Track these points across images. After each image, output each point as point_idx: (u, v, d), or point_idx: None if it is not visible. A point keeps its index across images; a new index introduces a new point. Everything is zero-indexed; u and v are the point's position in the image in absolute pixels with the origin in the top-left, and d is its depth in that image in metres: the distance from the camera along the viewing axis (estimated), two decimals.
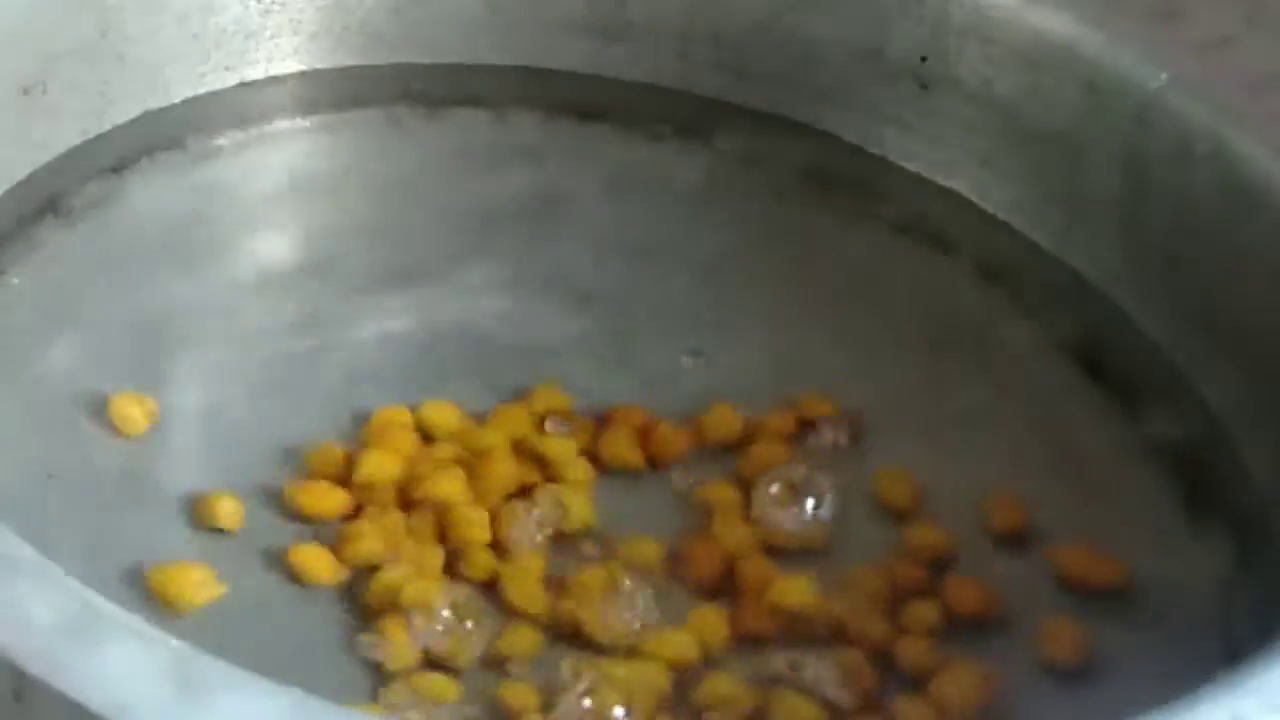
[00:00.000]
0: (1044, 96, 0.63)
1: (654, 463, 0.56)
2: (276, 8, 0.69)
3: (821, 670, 0.50)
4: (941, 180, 0.66)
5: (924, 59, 0.65)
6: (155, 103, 0.67)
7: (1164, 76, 0.60)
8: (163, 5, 0.67)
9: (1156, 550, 0.55)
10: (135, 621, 0.39)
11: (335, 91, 0.70)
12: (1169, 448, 0.58)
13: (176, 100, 0.67)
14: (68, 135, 0.65)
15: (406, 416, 0.56)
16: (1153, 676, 0.50)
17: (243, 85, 0.68)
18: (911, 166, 0.66)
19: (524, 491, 0.54)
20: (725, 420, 0.57)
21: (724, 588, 0.52)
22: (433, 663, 0.49)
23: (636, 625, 0.50)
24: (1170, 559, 0.55)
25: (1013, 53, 0.63)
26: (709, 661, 0.50)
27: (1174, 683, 0.42)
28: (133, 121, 0.66)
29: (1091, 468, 0.57)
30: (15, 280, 0.61)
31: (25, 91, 0.63)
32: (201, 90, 0.68)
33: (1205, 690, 0.40)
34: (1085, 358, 0.61)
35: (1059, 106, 0.62)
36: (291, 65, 0.69)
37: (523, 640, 0.50)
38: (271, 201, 0.67)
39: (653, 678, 0.49)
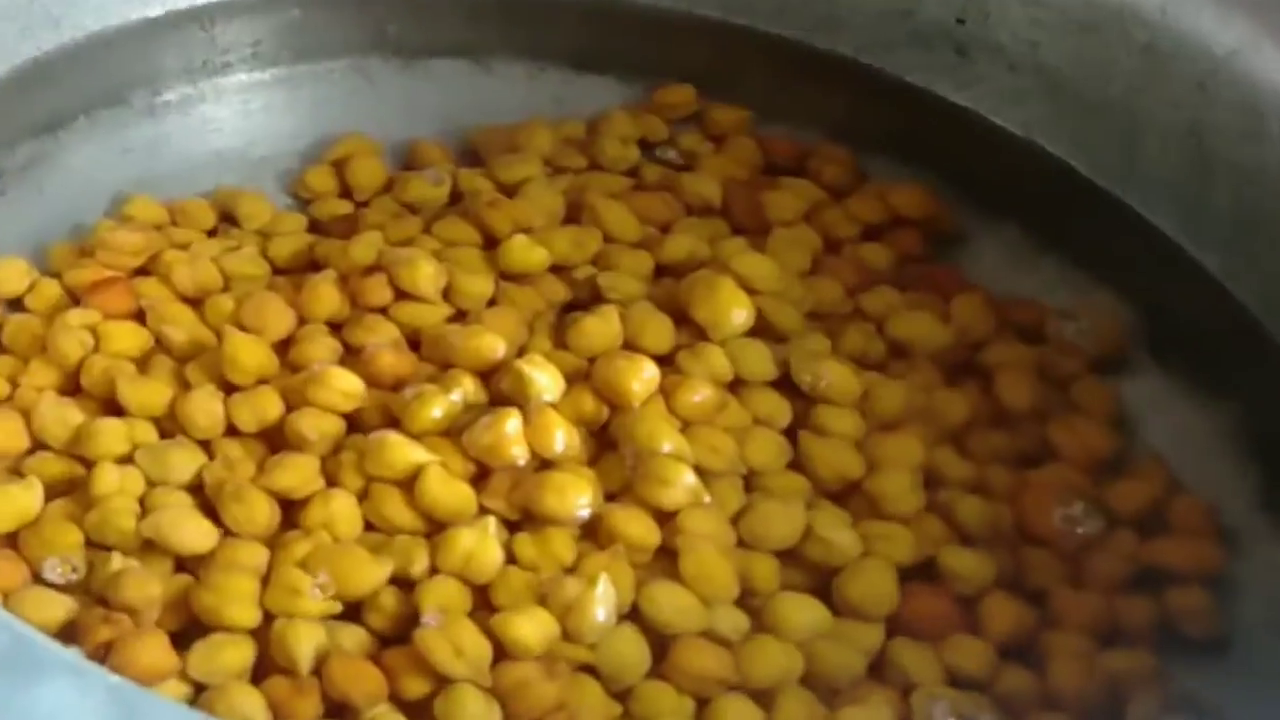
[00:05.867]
0: (1096, 62, 0.60)
1: None
2: None
3: None
4: (982, 153, 0.63)
5: (960, 20, 0.62)
6: (97, 56, 0.63)
7: (1232, 39, 0.57)
8: None
9: (1231, 548, 0.54)
10: (71, 657, 0.39)
11: (297, 41, 0.66)
12: (1248, 437, 0.56)
13: (117, 51, 0.64)
14: None
15: None
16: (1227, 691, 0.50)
17: (193, 33, 0.65)
18: (947, 138, 0.64)
19: None
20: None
21: None
22: None
23: None
24: (1246, 559, 0.54)
25: (1061, 13, 0.60)
26: None
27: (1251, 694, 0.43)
28: (70, 73, 0.62)
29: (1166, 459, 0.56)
30: None
31: None
32: (146, 39, 0.64)
33: None
34: (1151, 337, 0.59)
35: (1113, 73, 0.60)
36: (248, 10, 0.66)
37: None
38: (224, 165, 0.64)
39: None
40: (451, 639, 0.48)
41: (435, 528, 0.51)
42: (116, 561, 0.49)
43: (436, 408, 0.52)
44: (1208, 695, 0.50)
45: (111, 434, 0.52)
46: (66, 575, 0.50)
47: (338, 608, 0.49)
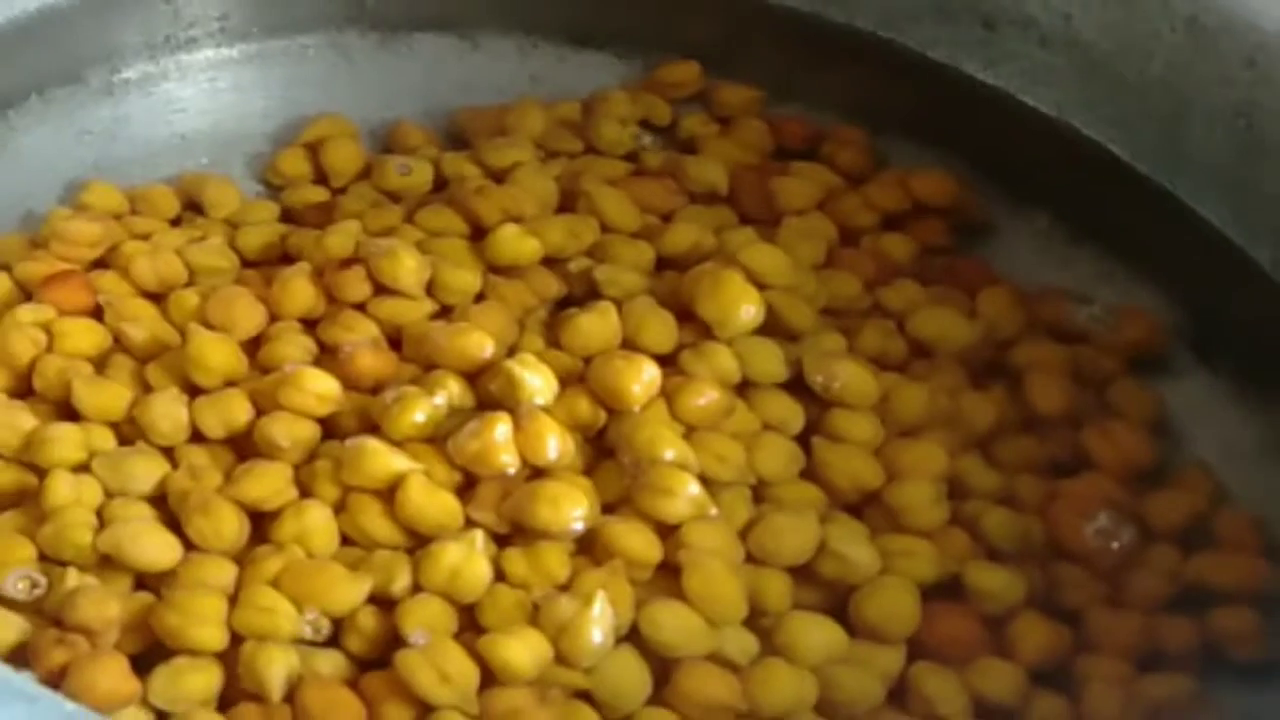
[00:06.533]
0: (1136, 37, 0.60)
1: None
2: None
3: None
4: (1011, 136, 0.63)
5: None
6: (50, 30, 0.63)
7: None
8: None
9: None
10: (23, 682, 0.39)
11: (268, 14, 0.66)
12: None
13: (72, 25, 0.63)
14: None
15: None
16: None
17: (154, 6, 0.64)
18: (973, 119, 0.64)
19: None
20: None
21: None
22: None
23: None
24: None
25: None
26: None
27: None
28: (21, 49, 0.62)
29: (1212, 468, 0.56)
30: None
31: None
32: (104, 12, 0.64)
33: None
34: (1196, 337, 0.59)
35: (1155, 49, 0.59)
36: None
37: None
38: (188, 149, 0.64)
39: None
40: (435, 663, 0.47)
41: (418, 542, 0.50)
42: (72, 579, 0.49)
43: (419, 412, 0.52)
44: None
45: (66, 440, 0.52)
46: (30, 590, 0.49)
47: (323, 638, 0.49)
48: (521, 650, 0.48)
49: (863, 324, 0.58)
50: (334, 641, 0.49)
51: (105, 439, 0.53)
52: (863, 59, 0.64)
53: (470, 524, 0.51)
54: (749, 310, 0.55)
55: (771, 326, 0.56)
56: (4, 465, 0.52)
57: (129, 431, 0.53)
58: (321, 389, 0.52)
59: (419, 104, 0.65)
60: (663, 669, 0.49)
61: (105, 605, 0.48)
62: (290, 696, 0.48)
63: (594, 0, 0.67)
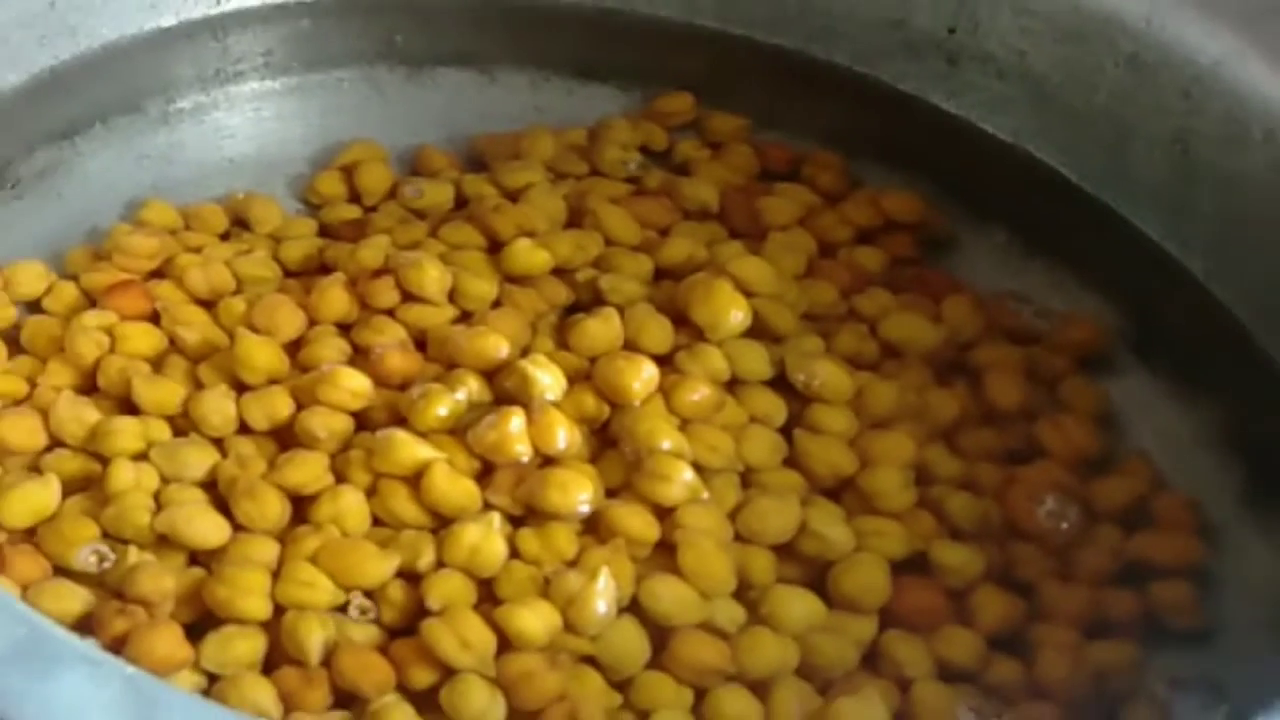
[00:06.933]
0: (1083, 71, 0.60)
1: None
2: None
3: None
4: (972, 159, 0.62)
5: (951, 30, 0.62)
6: (112, 65, 0.63)
7: (1216, 49, 0.56)
8: None
9: (1214, 547, 0.53)
10: (88, 648, 0.38)
11: (308, 50, 0.66)
12: (1231, 436, 0.56)
13: (132, 60, 0.63)
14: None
15: None
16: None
17: (206, 43, 0.64)
18: (938, 145, 0.63)
19: None
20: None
21: None
22: None
23: None
24: (1229, 557, 0.53)
25: (1049, 23, 0.60)
26: None
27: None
28: (86, 82, 0.62)
29: (1152, 456, 0.56)
30: None
31: None
32: (160, 48, 0.64)
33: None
34: (1137, 339, 0.59)
35: (1100, 82, 0.59)
36: (260, 20, 0.65)
37: None
38: (236, 171, 0.64)
39: None
40: (457, 631, 0.48)
41: (441, 523, 0.51)
42: (132, 556, 0.50)
43: (442, 406, 0.52)
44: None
45: (127, 432, 0.53)
46: (99, 564, 0.50)
47: (368, 619, 0.49)
48: (534, 620, 0.48)
49: (839, 328, 0.58)
50: None
51: (162, 431, 0.53)
52: (839, 91, 0.64)
53: (488, 507, 0.51)
54: (737, 315, 0.56)
55: (757, 330, 0.57)
56: (71, 454, 0.53)
57: (183, 424, 0.54)
58: (355, 386, 0.53)
59: (442, 131, 0.65)
60: (660, 636, 0.49)
61: (161, 579, 0.49)
62: (327, 661, 0.48)
63: (598, 39, 0.66)
